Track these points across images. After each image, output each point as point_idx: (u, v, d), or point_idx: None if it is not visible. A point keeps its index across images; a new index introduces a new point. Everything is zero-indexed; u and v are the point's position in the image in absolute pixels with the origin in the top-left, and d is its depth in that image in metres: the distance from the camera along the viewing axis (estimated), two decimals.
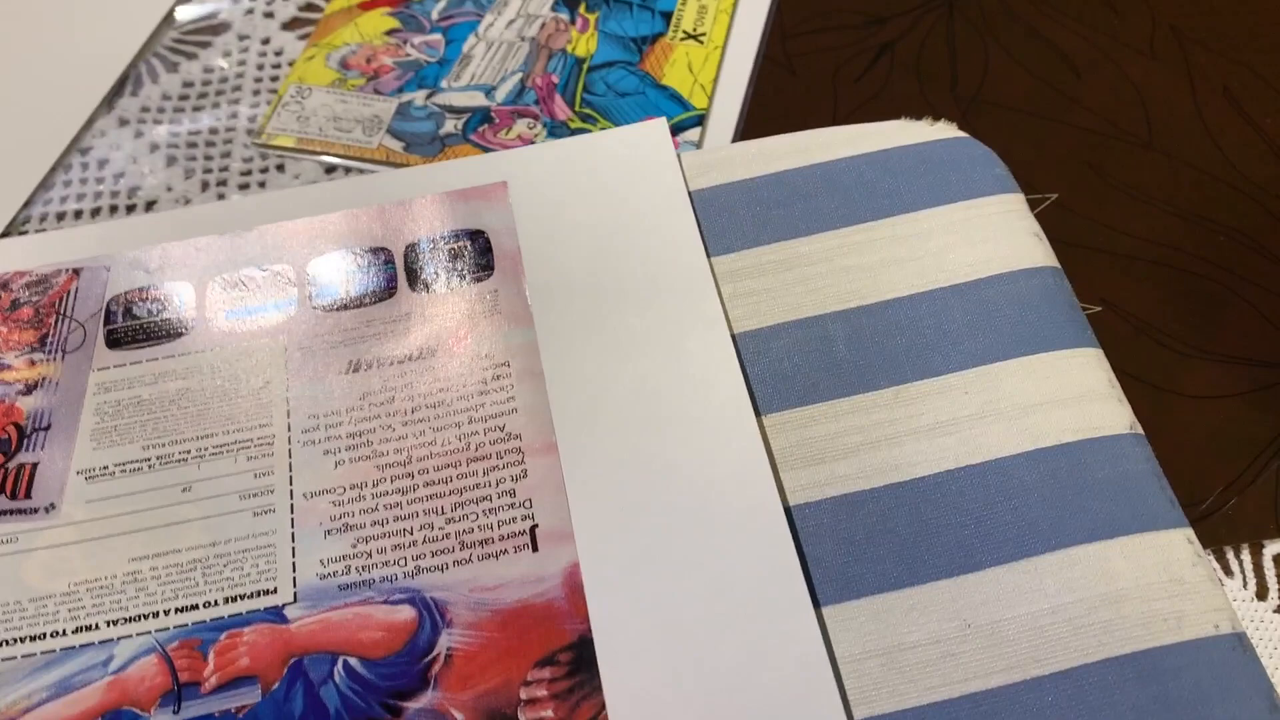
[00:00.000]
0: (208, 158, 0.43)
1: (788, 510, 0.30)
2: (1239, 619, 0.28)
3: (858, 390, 0.32)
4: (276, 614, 0.30)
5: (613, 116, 0.42)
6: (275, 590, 0.30)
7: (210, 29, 0.48)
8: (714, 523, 0.30)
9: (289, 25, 0.48)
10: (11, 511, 0.32)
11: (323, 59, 0.46)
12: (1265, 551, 0.32)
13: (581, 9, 0.47)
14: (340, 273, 0.37)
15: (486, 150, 0.41)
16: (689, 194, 0.37)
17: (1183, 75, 0.43)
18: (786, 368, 0.33)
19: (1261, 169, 0.40)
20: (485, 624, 0.29)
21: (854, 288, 0.34)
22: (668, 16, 0.46)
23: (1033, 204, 0.39)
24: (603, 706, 0.27)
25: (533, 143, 0.41)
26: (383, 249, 0.37)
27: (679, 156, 0.39)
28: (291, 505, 0.31)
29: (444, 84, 0.44)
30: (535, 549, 0.30)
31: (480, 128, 0.42)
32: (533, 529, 0.30)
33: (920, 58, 0.44)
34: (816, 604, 0.29)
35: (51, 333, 0.36)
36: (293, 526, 0.31)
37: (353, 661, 0.29)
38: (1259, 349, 0.35)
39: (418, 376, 0.34)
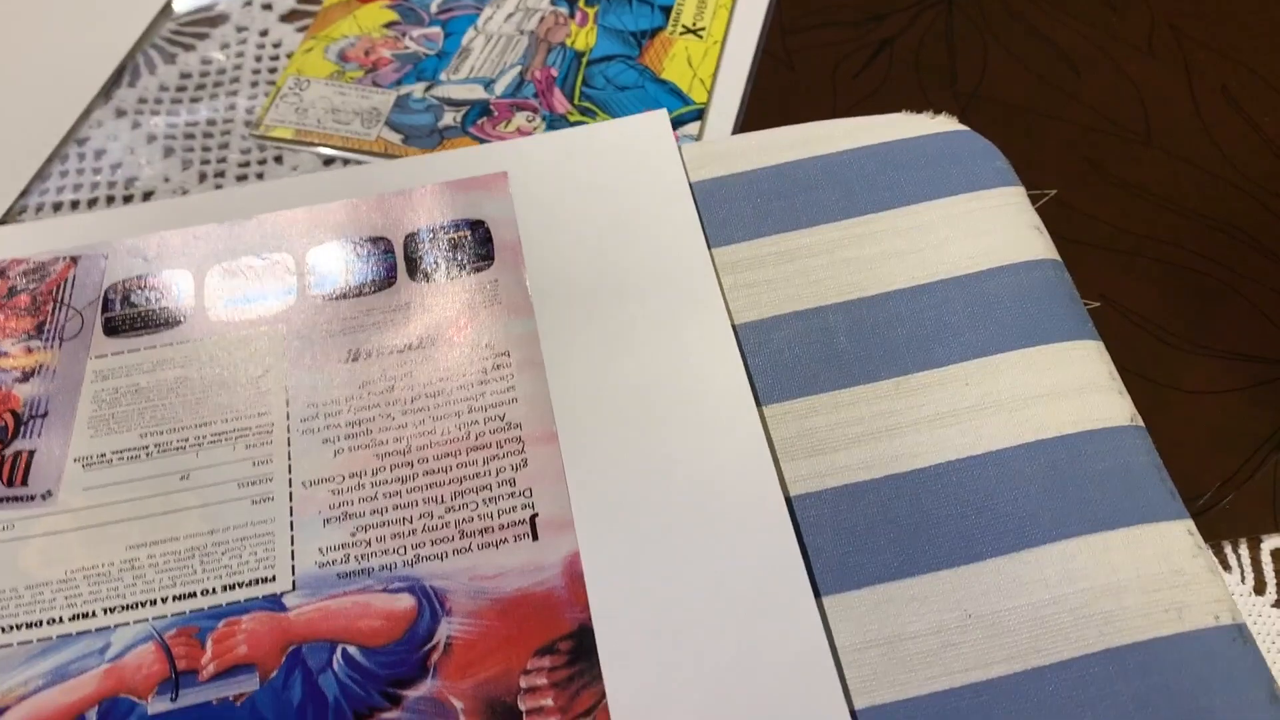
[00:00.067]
0: (205, 149, 0.43)
1: (788, 500, 0.30)
2: (1239, 610, 0.28)
3: (858, 381, 0.32)
4: (275, 602, 0.29)
5: (612, 110, 0.42)
6: (274, 578, 0.30)
7: (208, 21, 0.48)
8: (714, 513, 0.30)
9: (287, 17, 0.48)
10: (8, 499, 0.32)
11: (321, 51, 0.45)
12: (1263, 546, 0.32)
13: (581, 3, 0.47)
14: (340, 262, 0.36)
15: (485, 143, 0.41)
16: (690, 185, 0.37)
17: (1181, 73, 0.43)
18: (787, 359, 0.33)
19: (1259, 166, 0.40)
20: (485, 612, 0.29)
21: (855, 279, 0.34)
22: (667, 11, 0.46)
23: (1032, 200, 0.39)
24: (602, 695, 0.27)
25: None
26: (382, 238, 0.37)
27: (679, 148, 0.39)
28: (290, 493, 0.31)
29: (443, 77, 0.44)
30: (535, 538, 0.30)
31: (479, 120, 0.42)
32: (533, 518, 0.30)
33: (919, 54, 0.44)
34: (817, 594, 0.29)
35: (49, 320, 0.35)
36: (291, 515, 0.31)
37: (352, 650, 0.28)
38: (1257, 345, 0.35)
39: (417, 366, 0.34)
